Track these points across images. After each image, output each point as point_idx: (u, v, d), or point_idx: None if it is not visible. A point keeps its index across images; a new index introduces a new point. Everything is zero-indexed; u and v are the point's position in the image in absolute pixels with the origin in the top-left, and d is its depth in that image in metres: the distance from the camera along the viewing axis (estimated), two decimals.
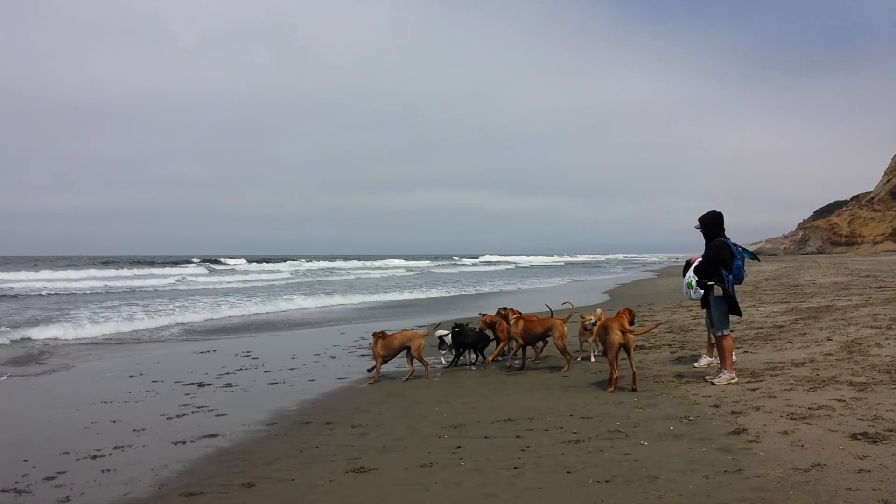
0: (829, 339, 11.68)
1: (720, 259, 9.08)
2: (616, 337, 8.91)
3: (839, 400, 7.46)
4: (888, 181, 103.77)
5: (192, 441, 7.46)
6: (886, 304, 16.22)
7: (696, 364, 10.43)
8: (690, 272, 10.28)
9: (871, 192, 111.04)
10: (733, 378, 8.93)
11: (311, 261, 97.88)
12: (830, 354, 10.17)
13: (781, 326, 13.95)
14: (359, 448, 6.90)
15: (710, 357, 10.34)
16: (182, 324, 21.04)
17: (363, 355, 13.81)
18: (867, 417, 6.65)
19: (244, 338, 17.65)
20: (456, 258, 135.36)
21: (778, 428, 6.57)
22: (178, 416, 8.69)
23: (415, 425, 7.74)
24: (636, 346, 10.08)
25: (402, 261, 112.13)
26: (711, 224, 9.28)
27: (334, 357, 13.71)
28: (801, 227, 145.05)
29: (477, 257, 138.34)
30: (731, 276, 9.02)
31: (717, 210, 9.33)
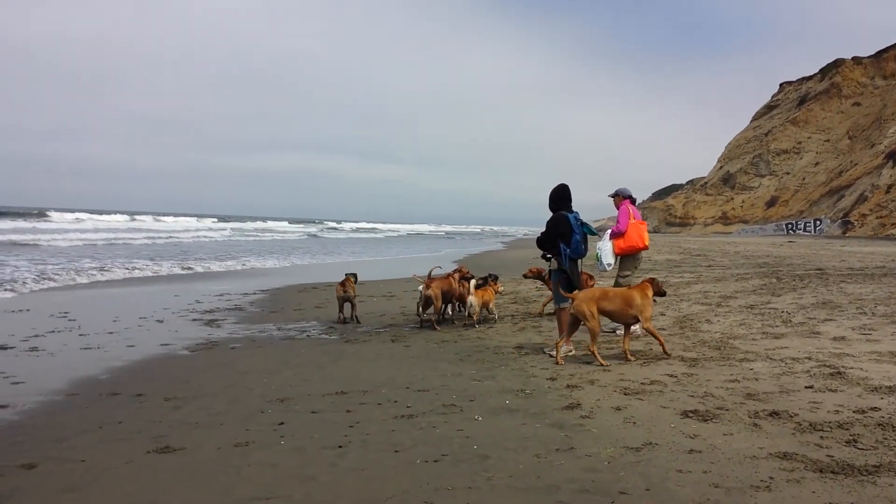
0: (663, 314, 12.03)
1: (557, 232, 9.00)
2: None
3: (671, 375, 7.53)
4: (721, 168, 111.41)
5: None
6: (717, 282, 17.10)
7: (619, 331, 10.16)
8: (599, 244, 10.24)
9: (704, 177, 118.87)
10: (571, 350, 8.91)
11: (160, 219, 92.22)
12: (663, 329, 10.41)
13: None
14: (168, 424, 6.20)
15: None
16: None
17: (194, 320, 12.88)
18: (698, 394, 6.70)
19: (62, 295, 16.07)
20: (333, 223, 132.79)
21: (611, 403, 6.50)
22: None
23: (238, 398, 7.10)
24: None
25: (287, 224, 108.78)
26: (557, 197, 9.16)
27: (162, 321, 12.69)
28: (640, 207, 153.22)
29: (341, 223, 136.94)
30: (568, 251, 8.95)
31: (564, 183, 9.22)
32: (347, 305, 12.61)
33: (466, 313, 12.05)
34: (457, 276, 12.21)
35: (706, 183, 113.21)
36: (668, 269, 23.15)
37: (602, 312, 8.45)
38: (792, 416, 5.85)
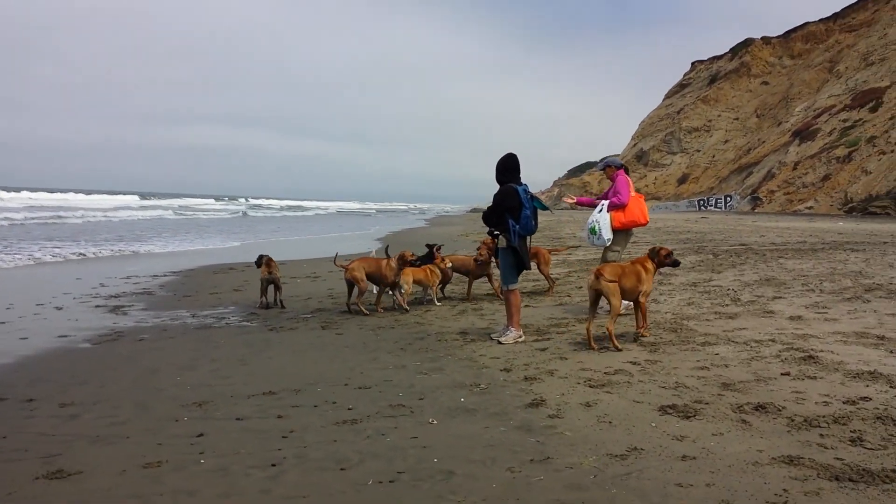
0: None
1: (506, 206, 8.20)
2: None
3: (634, 363, 6.91)
4: (634, 145, 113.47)
5: None
6: None
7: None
8: (593, 215, 9.51)
9: (617, 155, 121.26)
10: (520, 336, 8.20)
11: (59, 193, 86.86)
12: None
13: (556, 279, 13.72)
14: (63, 439, 5.15)
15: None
16: None
17: (98, 306, 11.60)
18: (669, 385, 6.08)
19: None
20: (259, 201, 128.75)
21: (578, 398, 5.80)
22: None
23: (147, 403, 6.07)
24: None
25: (213, 201, 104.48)
26: (504, 168, 8.34)
27: (61, 308, 11.36)
28: (556, 184, 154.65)
29: (269, 199, 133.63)
30: (517, 227, 8.18)
31: (512, 153, 8.42)
32: (271, 289, 11.59)
33: (396, 294, 11.19)
34: (392, 262, 11.11)
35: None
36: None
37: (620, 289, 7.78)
38: (780, 410, 5.28)
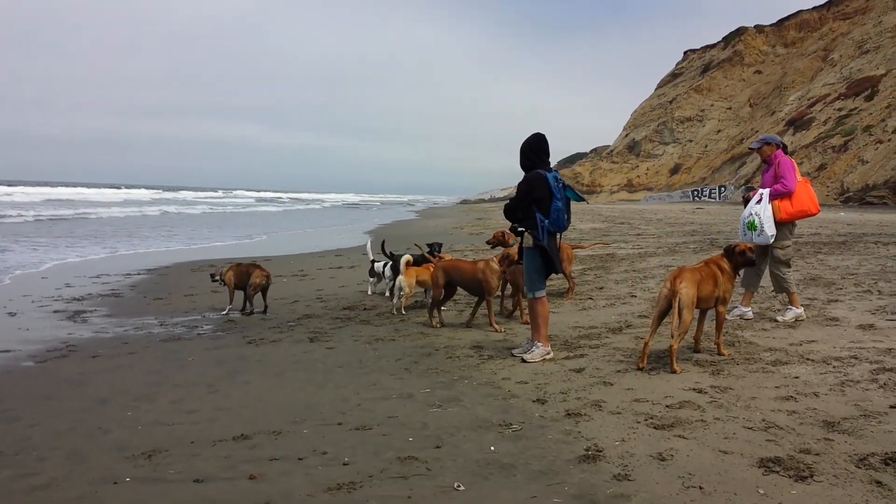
0: (633, 296, 10.15)
1: (533, 198, 6.79)
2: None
3: (698, 390, 5.56)
4: (626, 135, 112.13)
5: None
6: (672, 254, 15.39)
7: (779, 318, 8.05)
8: (750, 207, 8.06)
9: (609, 145, 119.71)
10: (548, 353, 6.83)
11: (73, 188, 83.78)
12: (645, 316, 8.51)
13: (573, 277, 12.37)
14: None
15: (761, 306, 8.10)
16: None
17: (56, 311, 10.19)
18: (756, 424, 4.74)
19: None
20: (262, 193, 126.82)
21: (645, 446, 4.44)
22: None
23: (83, 453, 4.67)
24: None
25: (245, 191, 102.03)
26: (530, 151, 6.88)
27: (14, 314, 9.96)
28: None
29: (258, 192, 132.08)
30: (546, 222, 6.79)
31: (540, 133, 6.99)
32: (258, 296, 10.12)
33: (394, 298, 9.82)
34: (493, 263, 8.46)
35: (612, 151, 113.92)
36: (599, 238, 21.53)
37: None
38: None
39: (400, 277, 9.55)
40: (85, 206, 49.84)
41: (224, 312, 9.94)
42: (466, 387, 5.97)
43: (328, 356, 7.30)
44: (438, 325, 8.66)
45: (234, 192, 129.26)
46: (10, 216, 34.43)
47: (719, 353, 6.59)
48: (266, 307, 10.06)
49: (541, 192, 6.70)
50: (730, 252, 6.73)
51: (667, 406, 5.20)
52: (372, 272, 11.37)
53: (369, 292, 11.56)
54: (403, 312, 9.50)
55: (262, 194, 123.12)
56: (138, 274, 14.80)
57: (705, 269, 6.52)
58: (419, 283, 9.66)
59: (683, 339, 6.39)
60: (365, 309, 10.11)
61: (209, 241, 24.97)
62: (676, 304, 6.08)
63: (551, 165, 6.96)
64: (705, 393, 5.48)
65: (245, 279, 9.90)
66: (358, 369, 6.70)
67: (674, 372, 6.05)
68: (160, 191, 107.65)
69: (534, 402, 5.47)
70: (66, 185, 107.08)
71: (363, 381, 6.25)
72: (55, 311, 10.24)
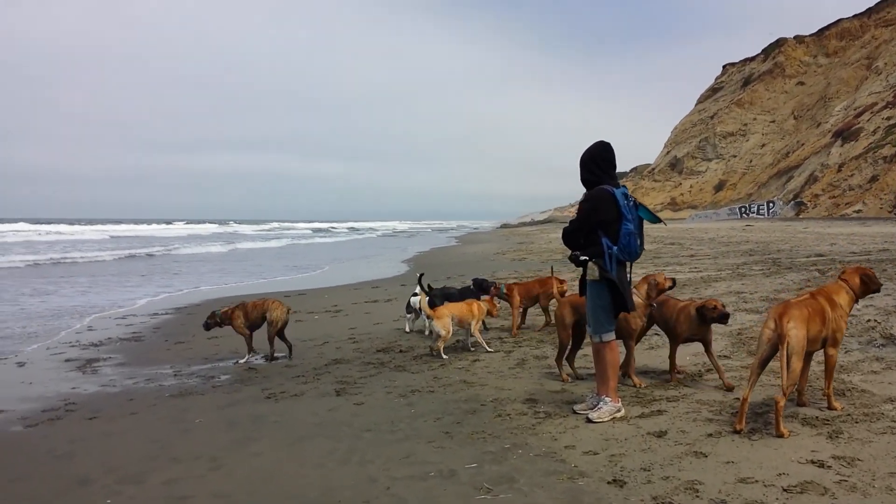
0: None
1: (599, 219, 5.67)
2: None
3: (817, 463, 4.36)
4: (668, 153, 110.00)
5: None
6: (740, 278, 13.94)
7: None
8: None
9: (650, 164, 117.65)
10: (619, 410, 5.66)
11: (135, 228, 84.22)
12: (727, 357, 7.29)
13: None
14: None
15: None
16: None
17: (67, 360, 9.38)
18: None
19: None
20: (319, 224, 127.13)
21: None
22: None
23: None
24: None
25: (276, 223, 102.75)
26: (593, 162, 5.74)
27: (23, 364, 9.18)
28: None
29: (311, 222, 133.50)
30: (615, 248, 5.65)
31: (604, 141, 5.84)
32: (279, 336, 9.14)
33: (433, 335, 8.75)
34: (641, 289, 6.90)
35: (654, 169, 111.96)
36: (651, 261, 20.22)
37: None
38: None
39: (433, 323, 8.51)
40: (153, 244, 46.86)
41: (243, 361, 8.95)
42: (521, 460, 4.84)
43: (356, 415, 6.22)
44: (570, 380, 7.00)
45: (291, 224, 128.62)
46: (91, 255, 33.18)
47: (830, 407, 5.37)
48: (290, 348, 9.08)
49: (608, 213, 5.56)
50: (852, 280, 5.46)
51: (784, 490, 4.01)
52: (409, 308, 10.38)
53: (407, 329, 10.54)
54: (444, 357, 8.42)
55: (315, 224, 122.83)
56: (165, 314, 13.98)
57: (813, 302, 5.29)
58: (459, 323, 8.58)
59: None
60: (401, 351, 9.05)
61: (299, 271, 24.20)
62: (785, 350, 4.87)
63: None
64: (829, 468, 4.27)
65: (259, 317, 8.94)
66: (389, 434, 5.61)
67: (780, 435, 4.85)
68: (216, 224, 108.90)
69: (609, 483, 4.31)
70: (112, 221, 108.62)
71: (395, 452, 5.16)
72: (66, 360, 9.43)
